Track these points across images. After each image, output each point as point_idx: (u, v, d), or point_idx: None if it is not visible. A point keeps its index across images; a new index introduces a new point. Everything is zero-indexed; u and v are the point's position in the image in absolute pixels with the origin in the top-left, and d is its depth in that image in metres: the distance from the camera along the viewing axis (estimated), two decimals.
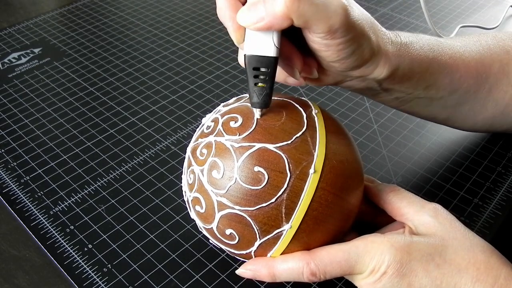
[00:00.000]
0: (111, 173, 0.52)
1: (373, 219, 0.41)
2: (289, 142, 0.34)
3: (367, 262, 0.34)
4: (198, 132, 0.38)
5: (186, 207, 0.39)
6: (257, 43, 0.33)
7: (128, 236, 0.45)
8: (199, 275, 0.42)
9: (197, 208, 0.36)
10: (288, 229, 0.33)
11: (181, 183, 0.39)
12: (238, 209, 0.33)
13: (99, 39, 0.74)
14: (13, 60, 0.69)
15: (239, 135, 0.34)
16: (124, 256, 0.44)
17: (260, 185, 0.33)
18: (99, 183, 0.51)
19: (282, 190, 0.33)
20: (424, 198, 0.49)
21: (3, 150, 0.54)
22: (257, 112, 0.35)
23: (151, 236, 0.45)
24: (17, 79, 0.65)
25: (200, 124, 0.39)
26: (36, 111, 0.60)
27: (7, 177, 0.51)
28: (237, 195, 0.33)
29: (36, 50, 0.71)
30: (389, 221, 0.39)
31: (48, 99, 0.62)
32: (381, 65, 0.38)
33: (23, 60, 0.69)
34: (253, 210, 0.33)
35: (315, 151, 0.34)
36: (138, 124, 0.58)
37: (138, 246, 0.45)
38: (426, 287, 0.33)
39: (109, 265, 0.43)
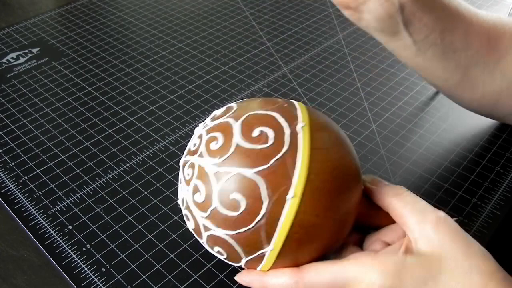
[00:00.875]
0: (110, 173, 0.52)
1: (377, 221, 0.39)
2: (267, 166, 0.32)
3: (356, 286, 0.33)
4: (188, 146, 0.38)
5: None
6: None
7: (126, 236, 0.45)
8: (198, 275, 0.42)
9: (188, 224, 0.37)
10: (270, 251, 0.33)
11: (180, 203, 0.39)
12: (220, 232, 0.34)
13: (98, 39, 0.74)
14: (11, 60, 0.69)
15: (219, 158, 0.33)
16: (122, 256, 0.44)
17: (238, 211, 0.32)
18: (97, 183, 0.51)
19: (260, 216, 0.32)
20: (422, 198, 0.49)
21: (1, 150, 0.54)
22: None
23: (150, 236, 0.45)
24: (15, 79, 0.65)
25: (195, 127, 0.39)
26: (35, 111, 0.60)
27: (5, 177, 0.51)
28: (218, 219, 0.33)
29: (35, 50, 0.71)
30: (392, 221, 0.38)
31: (46, 99, 0.62)
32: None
33: (21, 60, 0.69)
34: (234, 233, 0.33)
35: (294, 175, 0.32)
36: (136, 124, 0.58)
37: (136, 246, 0.45)
38: None
39: (108, 265, 0.43)
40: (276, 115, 0.34)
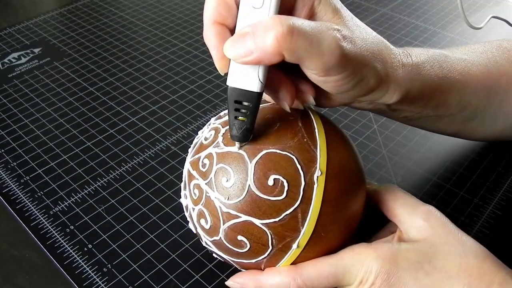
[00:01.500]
0: (111, 173, 0.52)
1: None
2: (277, 220, 0.32)
3: (354, 274, 0.33)
4: (194, 156, 0.36)
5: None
6: (241, 75, 0.31)
7: (128, 236, 0.45)
8: (199, 275, 0.42)
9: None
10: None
11: (185, 210, 0.38)
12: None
13: (99, 39, 0.74)
14: (13, 60, 0.69)
15: (229, 199, 0.33)
16: (124, 256, 0.44)
17: (243, 250, 0.34)
18: (99, 183, 0.51)
19: (262, 257, 0.34)
20: (424, 198, 0.49)
21: (3, 150, 0.54)
22: (237, 145, 0.33)
23: (151, 236, 0.45)
24: (17, 79, 0.65)
25: (197, 137, 0.38)
26: (36, 111, 0.60)
27: (7, 177, 0.51)
28: (222, 248, 0.35)
29: (36, 50, 0.71)
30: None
31: (48, 99, 0.62)
32: (391, 91, 0.36)
33: (23, 60, 0.69)
34: (237, 261, 0.35)
35: (303, 228, 0.33)
36: (138, 124, 0.58)
37: (138, 246, 0.45)
38: None
39: (109, 265, 0.43)
40: (294, 158, 0.33)
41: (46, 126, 0.58)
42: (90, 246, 0.45)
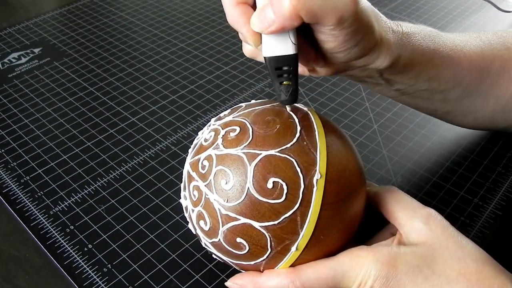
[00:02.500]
0: (111, 173, 0.52)
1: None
2: (276, 222, 0.32)
3: (353, 277, 0.33)
4: (194, 158, 0.36)
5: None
6: (274, 44, 0.33)
7: (128, 236, 0.45)
8: (199, 275, 0.42)
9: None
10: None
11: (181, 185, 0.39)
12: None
13: (99, 39, 0.74)
14: (13, 60, 0.69)
15: (228, 201, 0.33)
16: (124, 256, 0.44)
17: (241, 252, 0.34)
18: (99, 183, 0.51)
19: (261, 259, 0.34)
20: (424, 198, 0.49)
21: (3, 150, 0.54)
22: (287, 107, 0.35)
23: (151, 236, 0.45)
24: (17, 79, 0.65)
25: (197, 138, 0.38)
26: (36, 111, 0.60)
27: (7, 177, 0.51)
28: (222, 250, 0.35)
29: (36, 50, 0.71)
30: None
31: (48, 99, 0.62)
32: (383, 54, 0.37)
33: (23, 60, 0.69)
34: (236, 262, 0.36)
35: (302, 231, 0.33)
36: (138, 124, 0.58)
37: (138, 246, 0.45)
38: None
39: (109, 265, 0.43)
40: (294, 161, 0.33)
41: (46, 126, 0.58)
42: (90, 246, 0.45)
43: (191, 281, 0.42)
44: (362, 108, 0.60)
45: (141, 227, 0.46)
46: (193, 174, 0.35)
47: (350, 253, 0.34)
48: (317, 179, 0.33)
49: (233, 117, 0.36)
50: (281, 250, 0.33)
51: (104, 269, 0.43)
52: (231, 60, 0.69)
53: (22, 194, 0.49)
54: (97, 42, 0.73)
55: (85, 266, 0.43)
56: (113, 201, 0.49)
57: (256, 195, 0.32)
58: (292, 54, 0.33)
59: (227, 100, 0.62)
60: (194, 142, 0.38)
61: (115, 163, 0.53)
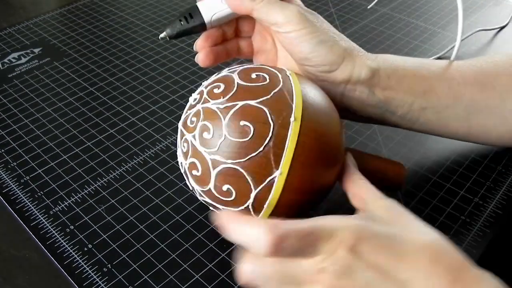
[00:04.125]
0: (111, 173, 0.52)
1: None
2: (269, 96, 0.36)
3: (332, 235, 0.32)
4: (186, 108, 0.41)
5: (184, 177, 0.41)
6: (209, 6, 0.44)
7: (128, 236, 0.45)
8: (199, 275, 0.42)
9: (194, 172, 0.38)
10: (279, 175, 0.35)
11: (180, 166, 0.41)
12: (230, 163, 0.36)
13: (99, 39, 0.74)
14: (13, 60, 0.69)
15: (223, 98, 0.37)
16: (124, 256, 0.44)
17: (248, 137, 0.36)
18: (99, 183, 0.51)
19: (268, 138, 0.35)
20: (424, 197, 0.49)
21: (3, 150, 0.54)
22: (162, 35, 0.45)
23: (151, 236, 0.45)
24: (17, 79, 0.65)
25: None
26: (36, 111, 0.60)
27: (7, 177, 0.51)
28: (228, 150, 0.36)
29: (36, 50, 0.71)
30: None
31: (48, 99, 0.62)
32: (358, 64, 0.42)
33: (23, 60, 0.69)
34: (244, 161, 0.36)
35: (293, 103, 0.36)
36: (138, 124, 0.58)
37: (138, 246, 0.45)
38: (387, 264, 0.31)
39: (109, 265, 0.43)
40: (267, 66, 0.40)
41: (46, 126, 0.58)
42: (90, 246, 0.45)
43: (191, 281, 0.42)
44: None
45: (141, 227, 0.46)
46: (186, 113, 0.40)
47: (330, 216, 0.34)
48: (289, 73, 0.39)
49: (219, 75, 0.41)
50: (282, 123, 0.36)
51: (104, 269, 0.43)
52: (231, 59, 0.69)
53: (22, 194, 0.49)
54: (97, 42, 0.73)
55: (85, 266, 0.43)
56: (113, 201, 0.49)
57: (246, 85, 0.38)
58: (202, 22, 0.44)
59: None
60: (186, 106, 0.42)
61: (115, 163, 0.53)
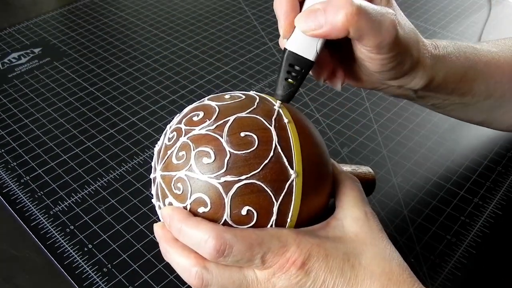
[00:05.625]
0: (111, 173, 0.52)
1: None
2: (255, 106, 0.35)
3: (282, 250, 0.32)
4: (159, 153, 0.36)
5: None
6: (302, 43, 0.35)
7: (128, 236, 0.45)
8: None
9: (200, 209, 0.33)
10: (296, 178, 0.33)
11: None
12: (245, 178, 0.32)
13: (99, 39, 0.74)
14: (13, 60, 0.69)
15: (209, 120, 0.34)
16: (124, 256, 0.44)
17: (254, 146, 0.33)
18: (99, 183, 0.51)
19: (275, 142, 0.33)
20: (424, 197, 0.49)
21: (3, 150, 0.54)
22: (277, 103, 0.36)
23: (151, 236, 0.45)
24: (17, 79, 0.65)
25: None
26: (36, 111, 0.60)
27: (7, 177, 0.51)
28: (238, 164, 0.33)
29: (36, 50, 0.71)
30: None
31: (48, 99, 0.62)
32: (418, 77, 0.39)
33: (23, 60, 0.69)
34: (259, 171, 0.33)
35: (276, 106, 0.35)
36: (138, 124, 0.58)
37: (138, 246, 0.45)
38: (338, 285, 0.33)
39: (109, 265, 0.43)
40: (260, 118, 0.35)
41: (46, 126, 0.58)
42: (90, 246, 0.45)
43: None
44: (362, 108, 0.60)
45: (141, 227, 0.46)
46: (170, 173, 0.34)
47: (286, 229, 0.33)
48: (287, 122, 0.35)
49: (202, 129, 0.35)
50: (279, 126, 0.34)
51: (104, 269, 0.43)
52: (231, 60, 0.69)
53: (22, 194, 0.49)
54: (97, 42, 0.73)
55: (85, 266, 0.43)
56: (113, 201, 0.49)
57: (238, 152, 0.33)
58: (310, 60, 0.35)
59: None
60: (154, 157, 0.37)
61: (115, 163, 0.53)
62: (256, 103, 0.35)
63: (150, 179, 0.51)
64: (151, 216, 0.47)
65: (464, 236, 0.46)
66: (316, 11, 0.33)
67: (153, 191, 0.36)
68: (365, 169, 0.46)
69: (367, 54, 0.35)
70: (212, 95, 0.38)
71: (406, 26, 0.37)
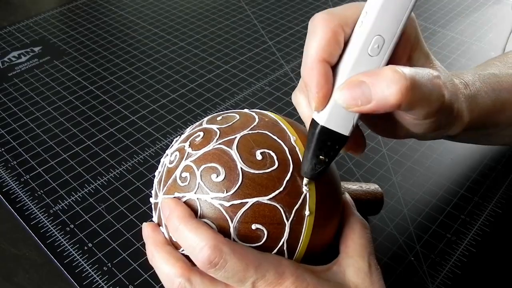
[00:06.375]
0: (111, 171, 0.52)
1: None
2: (281, 189, 0.31)
3: (276, 275, 0.30)
4: (168, 182, 0.33)
5: None
6: (337, 117, 0.31)
7: (128, 235, 0.45)
8: None
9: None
10: (309, 216, 0.32)
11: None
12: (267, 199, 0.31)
13: (99, 37, 0.74)
14: (13, 59, 0.69)
15: (226, 192, 0.30)
16: (124, 254, 0.44)
17: (260, 241, 0.31)
18: (99, 182, 0.51)
19: (283, 240, 0.31)
20: (424, 196, 0.49)
21: (3, 149, 0.54)
22: (304, 180, 0.32)
23: None
24: (17, 77, 0.65)
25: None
26: (36, 110, 0.60)
27: (7, 175, 0.51)
28: (252, 186, 0.31)
29: (36, 49, 0.71)
30: None
31: (48, 98, 0.62)
32: (456, 126, 0.37)
33: (23, 58, 0.69)
34: (280, 191, 0.31)
35: (304, 191, 0.31)
36: (138, 122, 0.58)
37: (138, 244, 0.45)
38: None
39: (109, 264, 0.43)
40: (268, 133, 0.33)
41: (46, 125, 0.58)
42: (90, 244, 0.45)
43: None
44: None
45: (141, 225, 0.46)
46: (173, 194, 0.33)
47: (287, 260, 0.32)
48: (294, 140, 0.33)
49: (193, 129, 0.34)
50: (297, 219, 0.31)
51: (104, 268, 0.43)
52: (231, 58, 0.69)
53: (22, 192, 0.49)
54: (97, 41, 0.73)
55: (85, 264, 0.43)
56: (113, 200, 0.49)
57: (251, 171, 0.31)
58: (345, 136, 0.31)
59: (227, 99, 0.62)
60: (155, 180, 0.35)
61: (115, 162, 0.53)
62: (285, 181, 0.31)
63: (151, 177, 0.51)
64: (151, 215, 0.47)
65: (464, 235, 0.46)
66: (361, 85, 0.29)
67: (155, 218, 0.35)
68: (374, 187, 0.45)
69: (411, 121, 0.32)
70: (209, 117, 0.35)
71: (448, 81, 0.34)
